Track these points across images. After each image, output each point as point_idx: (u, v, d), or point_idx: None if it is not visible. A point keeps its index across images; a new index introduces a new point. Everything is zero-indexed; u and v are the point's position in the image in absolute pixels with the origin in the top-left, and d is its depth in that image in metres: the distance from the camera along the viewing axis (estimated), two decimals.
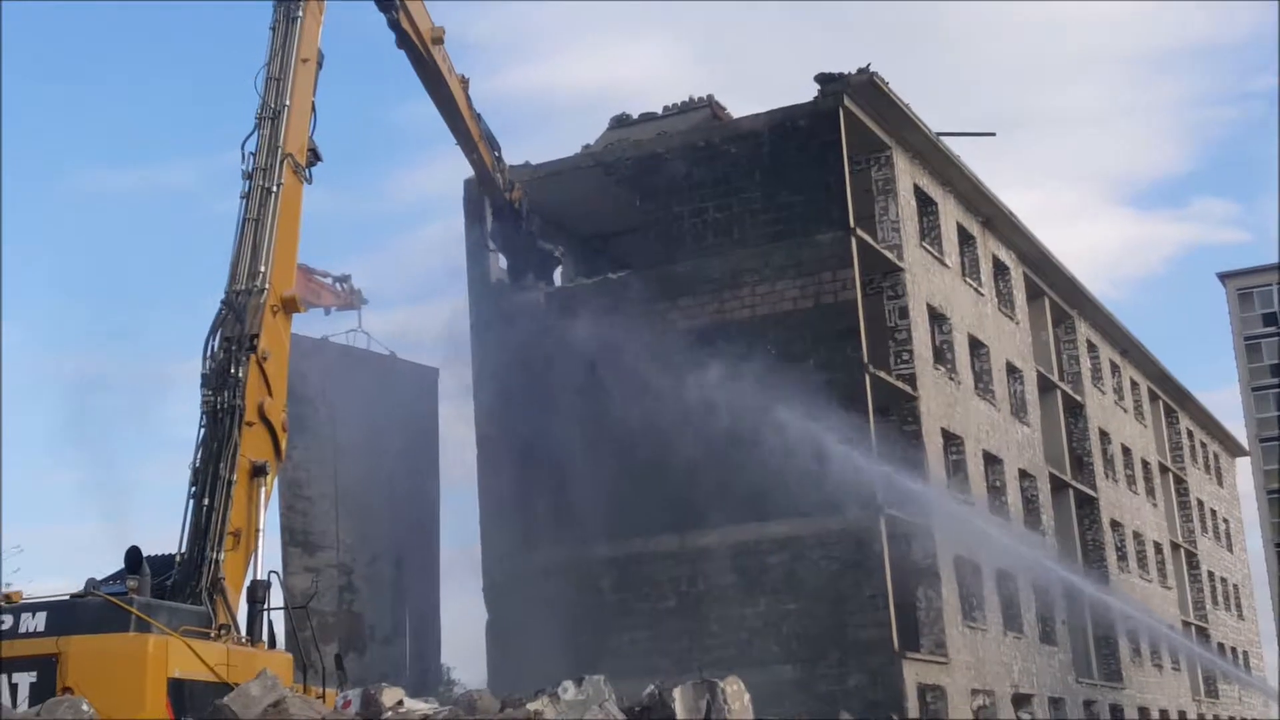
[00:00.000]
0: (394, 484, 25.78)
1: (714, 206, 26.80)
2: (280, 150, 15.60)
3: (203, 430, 14.21)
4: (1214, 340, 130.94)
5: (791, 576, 24.93)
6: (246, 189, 15.47)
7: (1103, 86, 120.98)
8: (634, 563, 26.00)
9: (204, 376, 14.40)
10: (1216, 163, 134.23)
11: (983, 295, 32.45)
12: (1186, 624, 47.78)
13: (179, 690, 12.00)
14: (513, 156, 26.99)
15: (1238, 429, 63.51)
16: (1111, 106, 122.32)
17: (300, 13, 16.36)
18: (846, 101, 26.21)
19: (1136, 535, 42.52)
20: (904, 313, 27.46)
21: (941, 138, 29.61)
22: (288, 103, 15.91)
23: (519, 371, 26.84)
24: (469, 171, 25.60)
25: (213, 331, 14.65)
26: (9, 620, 12.21)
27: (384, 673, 23.38)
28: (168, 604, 12.78)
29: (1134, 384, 46.01)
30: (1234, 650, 53.75)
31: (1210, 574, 52.31)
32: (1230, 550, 57.78)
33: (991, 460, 31.32)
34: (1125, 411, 44.13)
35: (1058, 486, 35.81)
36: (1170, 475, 49.62)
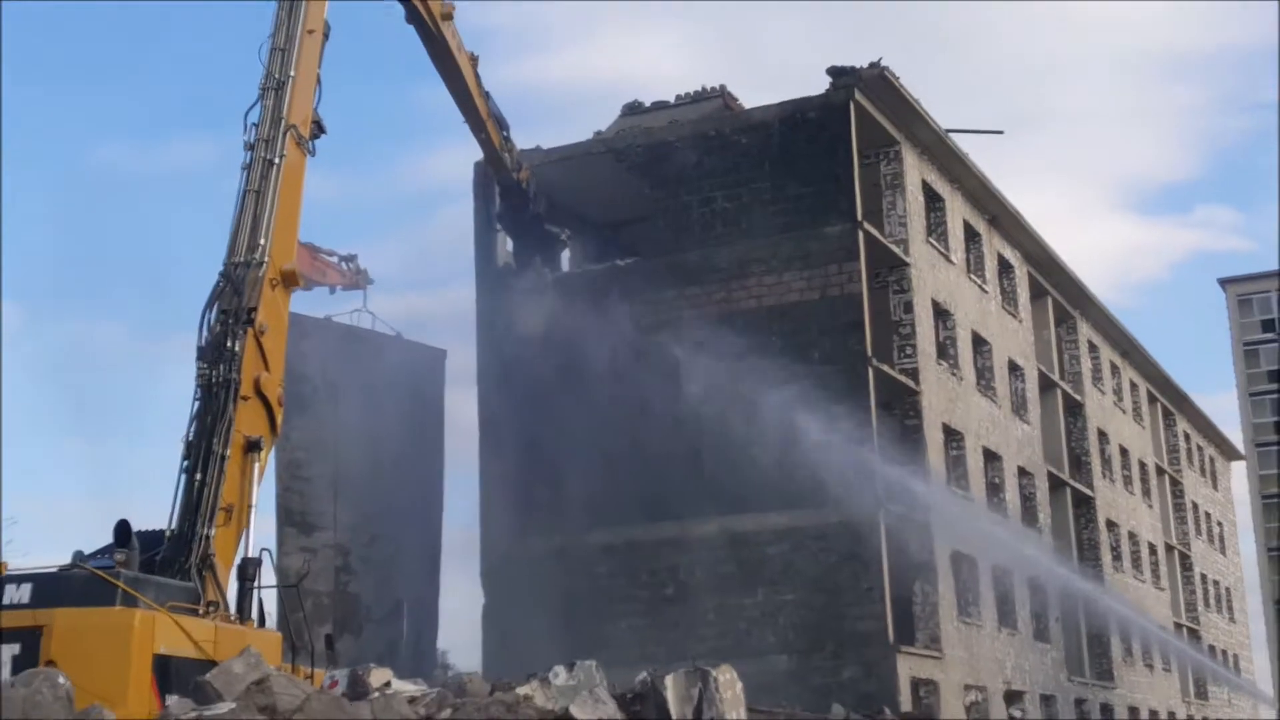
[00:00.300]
0: (397, 465, 25.52)
1: (723, 196, 26.63)
2: (284, 121, 15.33)
3: (197, 404, 13.97)
4: (1213, 345, 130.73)
5: (789, 567, 24.82)
6: (248, 160, 15.21)
7: (1111, 90, 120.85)
8: (632, 550, 25.88)
9: (199, 349, 14.13)
10: (1222, 170, 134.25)
11: (987, 292, 32.31)
12: (1178, 625, 47.79)
13: (164, 667, 11.76)
14: (525, 144, 26.82)
15: (1234, 433, 63.57)
16: (1119, 111, 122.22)
17: None
18: (857, 95, 26.04)
19: (1131, 536, 42.47)
20: (908, 307, 27.34)
21: (950, 134, 29.46)
22: (292, 74, 15.61)
23: (523, 356, 26.68)
24: (480, 154, 25.35)
25: (209, 304, 14.37)
26: None
27: (379, 655, 23.21)
28: (156, 579, 12.53)
29: (1133, 385, 45.93)
30: (1224, 653, 53.80)
31: (1203, 576, 52.31)
32: (1224, 553, 57.78)
33: (991, 457, 31.22)
34: (1124, 412, 44.06)
35: (1055, 485, 35.74)
36: (1166, 477, 49.58)
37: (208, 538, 13.48)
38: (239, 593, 13.74)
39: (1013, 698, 29.98)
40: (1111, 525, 40.21)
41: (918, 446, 26.67)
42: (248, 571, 13.79)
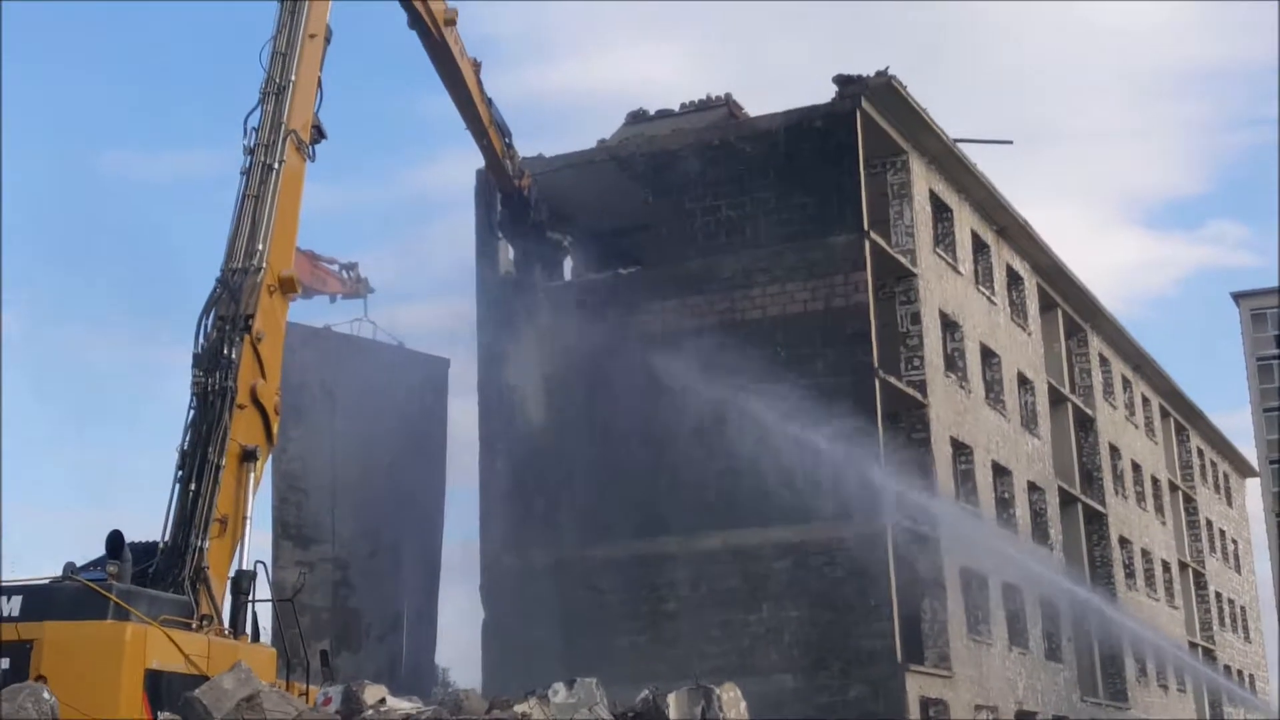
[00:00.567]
0: (397, 477, 25.25)
1: (727, 205, 26.38)
2: (284, 126, 15.15)
3: (192, 412, 13.73)
4: (1224, 363, 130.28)
5: (794, 583, 24.48)
6: (247, 164, 15.01)
7: (1119, 106, 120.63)
8: (635, 565, 25.55)
9: (195, 357, 13.92)
10: (1230, 185, 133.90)
11: (995, 304, 31.99)
12: (1193, 645, 47.26)
13: (156, 681, 11.56)
14: (528, 151, 26.61)
15: (1248, 450, 63.04)
16: (1127, 126, 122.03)
17: None
18: (864, 104, 25.82)
19: (1145, 553, 42.01)
20: (916, 318, 27.04)
21: (958, 144, 29.20)
22: (293, 78, 15.45)
23: (525, 365, 26.43)
24: (481, 161, 25.14)
25: (206, 310, 14.17)
26: None
27: (378, 670, 22.92)
28: (148, 592, 12.30)
29: (1145, 400, 45.52)
30: (1240, 673, 53.20)
31: (1218, 595, 51.77)
32: (1238, 572, 57.23)
33: (1000, 471, 30.85)
34: (1136, 427, 43.65)
35: (1066, 500, 35.34)
36: (1180, 494, 49.11)
37: (201, 550, 13.26)
38: (232, 606, 13.46)
39: (1024, 718, 29.53)
40: (1124, 542, 39.77)
41: (925, 460, 26.33)
42: (242, 585, 13.55)
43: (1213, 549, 52.43)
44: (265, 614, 14.10)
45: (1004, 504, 30.94)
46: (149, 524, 13.53)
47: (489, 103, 22.74)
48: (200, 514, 13.27)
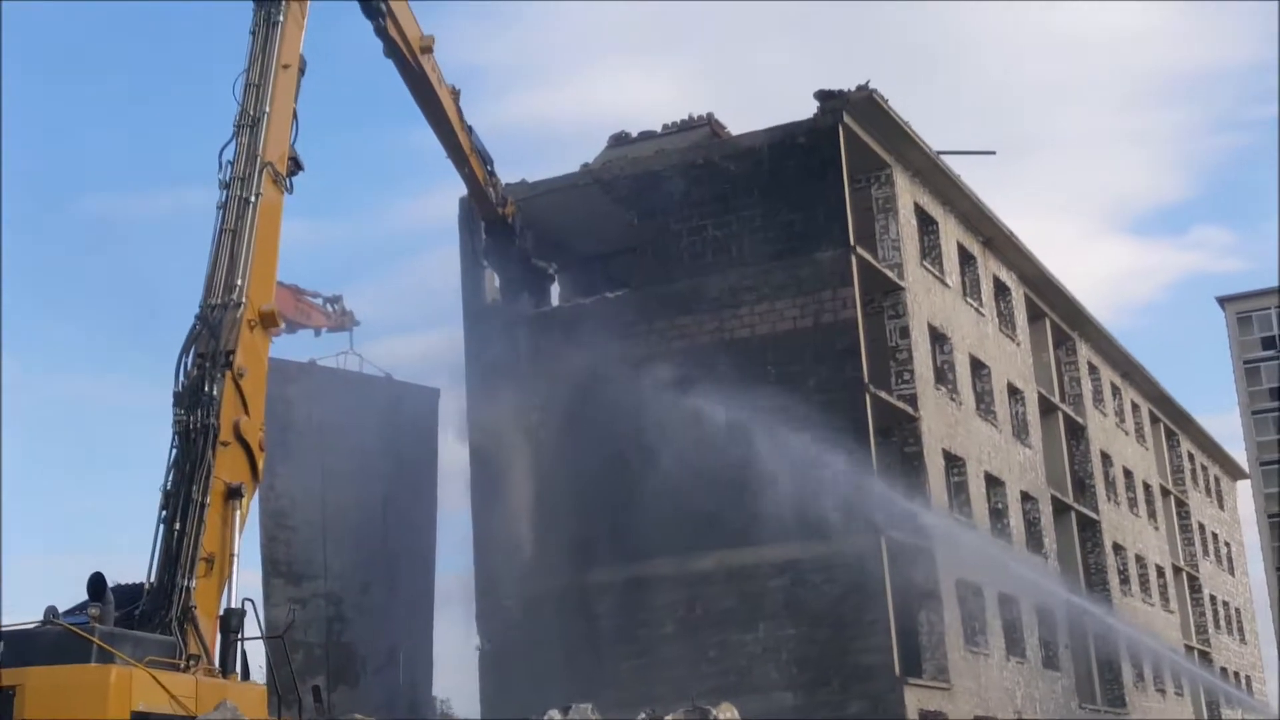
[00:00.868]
0: (389, 509, 25.05)
1: (713, 224, 26.32)
2: (259, 159, 15.03)
3: (174, 451, 13.57)
4: (1213, 367, 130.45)
5: (791, 601, 24.33)
6: (224, 199, 14.88)
7: (1101, 113, 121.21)
8: (631, 588, 25.38)
9: (176, 395, 13.77)
10: (1215, 191, 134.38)
11: (984, 315, 31.97)
12: (1189, 648, 47.18)
13: None
14: (515, 177, 26.51)
15: (1238, 452, 63.10)
16: (1109, 134, 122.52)
17: (281, 16, 15.78)
18: (846, 119, 25.80)
19: (1139, 558, 41.96)
20: (905, 332, 26.98)
21: (942, 156, 29.21)
22: (267, 110, 15.34)
23: (514, 393, 26.27)
24: (465, 190, 25.03)
25: (186, 348, 14.03)
26: None
27: (376, 705, 22.70)
28: (133, 633, 12.14)
29: (1135, 406, 45.55)
30: (1236, 675, 53.13)
31: (1212, 598, 51.73)
32: (1232, 574, 57.20)
33: (993, 482, 30.78)
34: (1126, 434, 43.65)
35: (1059, 509, 35.28)
36: (1171, 498, 49.11)
37: (188, 589, 13.09)
38: (222, 645, 13.28)
39: None
40: (1118, 548, 39.72)
41: (918, 473, 26.25)
42: (231, 623, 13.37)
43: (1206, 552, 52.40)
44: (257, 651, 13.93)
45: (998, 514, 30.86)
46: (139, 566, 13.38)
47: (469, 130, 22.63)
48: (186, 553, 13.11)
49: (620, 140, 29.08)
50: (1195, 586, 49.78)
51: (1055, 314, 37.46)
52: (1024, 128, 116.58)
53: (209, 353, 13.92)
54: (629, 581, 25.40)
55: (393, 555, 25.19)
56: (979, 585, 28.16)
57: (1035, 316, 36.20)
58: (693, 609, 24.92)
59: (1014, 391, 33.35)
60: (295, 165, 15.79)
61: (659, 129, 28.91)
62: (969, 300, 31.25)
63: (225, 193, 14.92)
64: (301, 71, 16.19)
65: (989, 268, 32.91)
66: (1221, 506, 57.83)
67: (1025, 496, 32.76)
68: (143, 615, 12.87)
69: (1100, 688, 35.49)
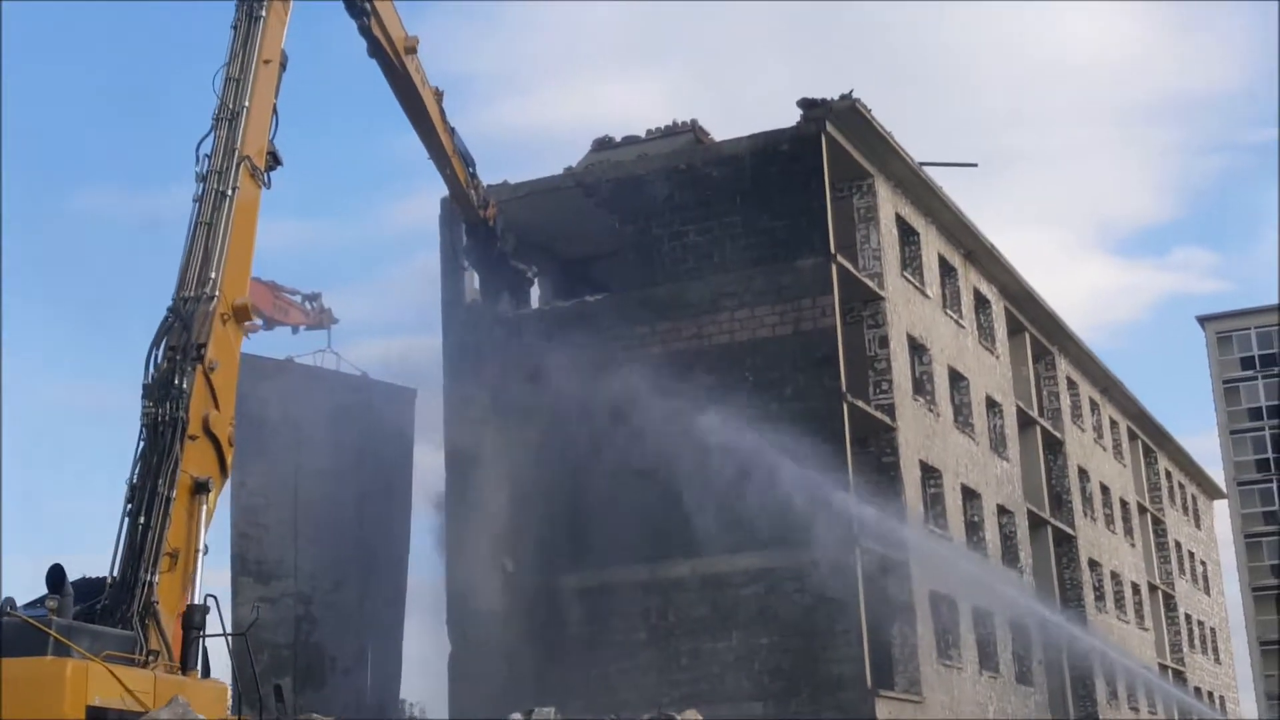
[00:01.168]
0: (362, 509, 24.90)
1: (694, 230, 26.30)
2: (237, 153, 14.94)
3: (141, 444, 13.44)
4: (1193, 388, 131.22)
5: (764, 610, 24.27)
6: (200, 192, 14.78)
7: (1086, 132, 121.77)
8: (604, 594, 25.28)
9: (145, 387, 13.65)
10: (1197, 212, 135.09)
11: (963, 327, 32.01)
12: (1163, 667, 47.26)
13: (99, 718, 11.25)
14: (498, 180, 26.37)
15: (1216, 472, 63.30)
16: (1094, 152, 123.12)
17: (263, 12, 15.72)
18: (829, 127, 25.82)
19: (1114, 575, 42.02)
20: (884, 342, 26.98)
21: (924, 167, 29.25)
22: (246, 104, 15.26)
23: (492, 395, 26.17)
24: (446, 191, 24.95)
25: (157, 340, 13.91)
26: None
27: (344, 706, 22.54)
28: (91, 627, 12.01)
29: (1113, 423, 45.65)
30: (1210, 694, 53.22)
31: (1188, 617, 51.84)
32: (1208, 593, 57.35)
33: (970, 495, 30.78)
34: (1104, 450, 43.73)
35: (1036, 524, 35.30)
36: (1148, 516, 49.22)
37: (151, 584, 12.94)
38: (184, 642, 13.15)
39: None
40: (1094, 565, 39.76)
41: (894, 484, 26.22)
42: (194, 619, 13.23)
43: (1182, 571, 52.52)
44: (221, 649, 13.81)
45: (973, 527, 30.85)
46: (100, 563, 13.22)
47: (452, 132, 22.58)
48: (150, 548, 12.97)
49: (604, 144, 29.05)
50: (1171, 605, 49.87)
51: (1035, 328, 37.53)
52: (1008, 142, 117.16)
53: (180, 345, 13.81)
54: (602, 587, 25.30)
55: (365, 556, 25.04)
56: (953, 598, 28.14)
57: (1015, 330, 36.26)
58: (665, 616, 24.84)
59: (992, 404, 33.38)
60: (274, 161, 15.70)
61: (643, 134, 28.91)
62: (949, 312, 31.28)
63: (202, 186, 14.82)
64: (283, 67, 16.12)
65: (969, 280, 32.95)
66: (1198, 525, 57.99)
67: (1002, 510, 32.77)
68: (105, 610, 12.72)
69: (1073, 704, 35.48)
